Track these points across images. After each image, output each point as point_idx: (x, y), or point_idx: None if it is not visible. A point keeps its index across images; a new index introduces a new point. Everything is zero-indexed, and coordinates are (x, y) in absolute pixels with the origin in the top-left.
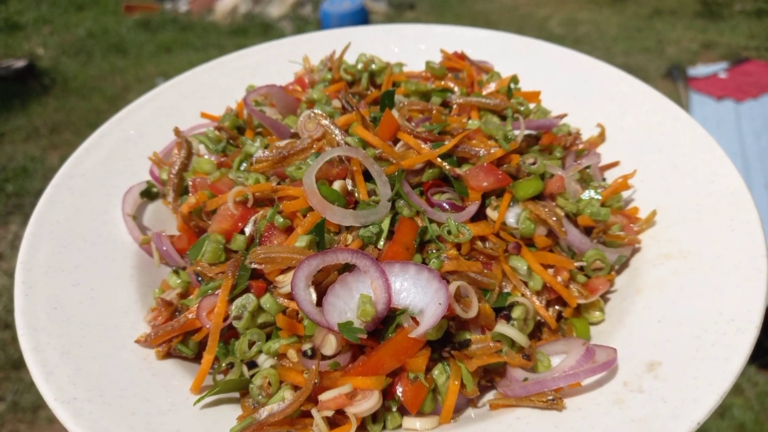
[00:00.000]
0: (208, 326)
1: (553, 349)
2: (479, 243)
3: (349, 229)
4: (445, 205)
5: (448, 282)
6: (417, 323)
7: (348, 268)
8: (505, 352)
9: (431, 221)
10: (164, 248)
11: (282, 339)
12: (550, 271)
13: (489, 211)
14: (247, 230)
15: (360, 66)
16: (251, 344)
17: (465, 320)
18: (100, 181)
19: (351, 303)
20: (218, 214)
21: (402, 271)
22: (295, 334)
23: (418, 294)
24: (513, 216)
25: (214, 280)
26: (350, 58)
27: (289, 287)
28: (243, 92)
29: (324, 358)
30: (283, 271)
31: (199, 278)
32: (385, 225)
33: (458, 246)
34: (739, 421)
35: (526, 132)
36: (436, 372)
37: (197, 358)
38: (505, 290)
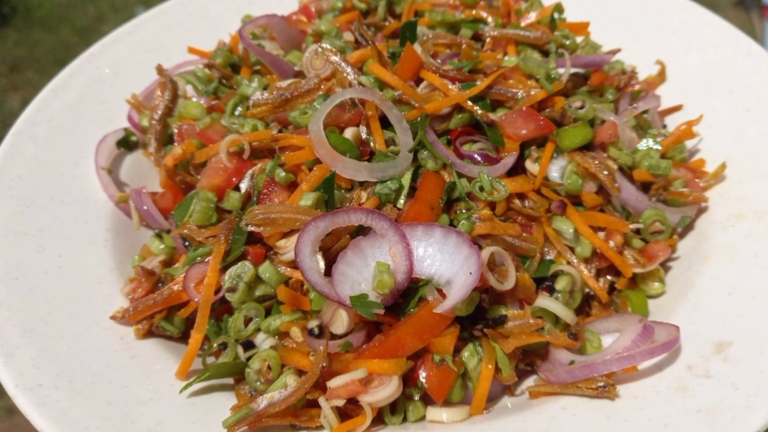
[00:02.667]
0: (196, 300)
1: (605, 326)
2: (517, 201)
3: (363, 185)
4: (476, 156)
5: (480, 247)
6: (443, 296)
7: (362, 231)
8: (547, 331)
9: (460, 176)
10: (145, 207)
11: (284, 315)
12: (601, 234)
13: (529, 164)
14: (243, 186)
15: None
16: (248, 321)
17: (500, 293)
18: (69, 128)
19: (365, 272)
20: (209, 168)
21: (426, 234)
22: (299, 310)
23: (445, 262)
24: (557, 170)
25: (203, 245)
26: None
27: (293, 254)
28: (238, 23)
29: (334, 337)
30: (286, 235)
31: (186, 243)
32: (406, 180)
33: (492, 205)
34: None
35: (573, 70)
36: (466, 354)
37: (184, 337)
38: (548, 257)
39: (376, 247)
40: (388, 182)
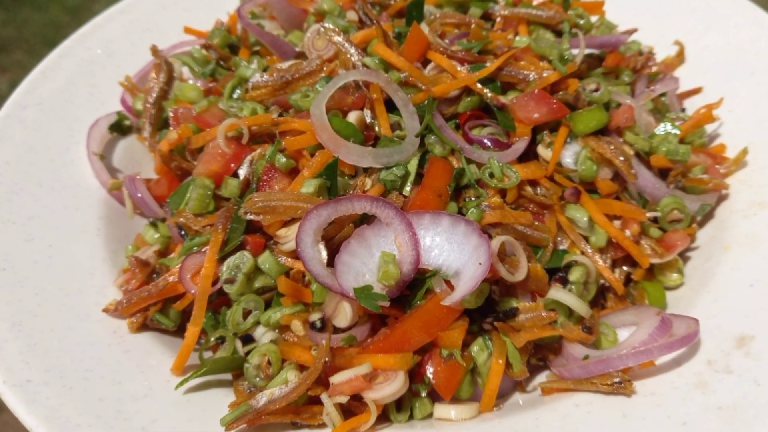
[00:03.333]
0: (193, 291)
1: (621, 319)
2: (529, 189)
3: (367, 171)
4: (486, 141)
5: (491, 237)
6: (452, 288)
7: (366, 219)
8: (560, 324)
9: (469, 161)
10: (139, 195)
11: (284, 308)
12: (617, 223)
13: (541, 149)
14: (242, 173)
15: None
16: (246, 314)
17: (511, 284)
18: (60, 112)
19: (370, 263)
20: (206, 153)
21: (433, 223)
22: (300, 302)
23: (453, 252)
24: (571, 155)
25: (200, 234)
26: None
27: (294, 243)
28: (236, 2)
29: (337, 331)
30: (286, 224)
31: (182, 232)
32: (412, 166)
33: (503, 192)
34: None
35: (587, 51)
36: (475, 348)
37: (180, 331)
38: (561, 247)
39: (381, 237)
40: (394, 168)
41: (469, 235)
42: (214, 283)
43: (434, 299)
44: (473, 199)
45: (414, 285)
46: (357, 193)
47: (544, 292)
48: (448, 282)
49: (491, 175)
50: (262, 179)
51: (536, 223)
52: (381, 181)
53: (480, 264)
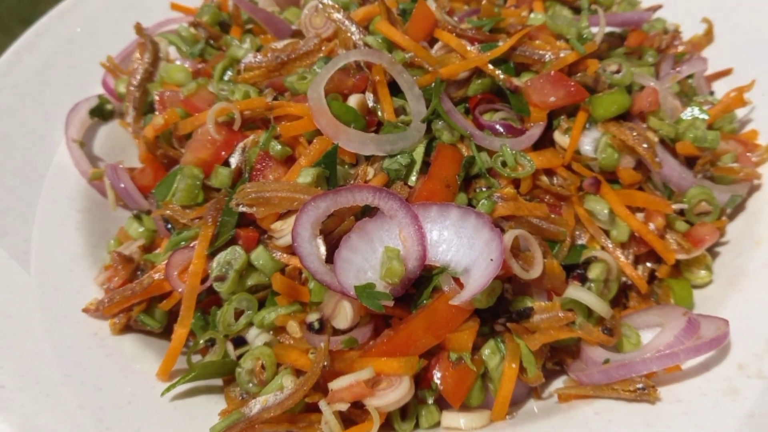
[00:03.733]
0: (180, 290)
1: (644, 320)
2: (544, 178)
3: (369, 159)
4: (498, 127)
5: (503, 231)
6: (461, 286)
7: (368, 212)
8: (579, 325)
9: (480, 149)
10: (122, 185)
11: (279, 308)
12: (640, 216)
13: (558, 136)
14: (233, 161)
15: None
16: (238, 314)
17: (525, 282)
18: (36, 95)
19: (372, 259)
20: (194, 140)
21: (441, 215)
22: (297, 301)
23: (463, 247)
24: (590, 142)
25: (188, 227)
26: None
27: (290, 238)
28: None
29: (336, 332)
30: (281, 216)
31: (169, 225)
32: (418, 154)
33: (516, 182)
34: None
35: (607, 29)
36: (486, 351)
37: (166, 333)
38: (579, 242)
39: (385, 231)
40: (398, 156)
41: (479, 229)
42: (204, 280)
43: (442, 298)
44: (484, 189)
45: (420, 283)
46: (358, 184)
47: (561, 291)
48: (456, 280)
49: (504, 164)
50: (255, 168)
51: (552, 215)
52: (384, 170)
53: (491, 260)
